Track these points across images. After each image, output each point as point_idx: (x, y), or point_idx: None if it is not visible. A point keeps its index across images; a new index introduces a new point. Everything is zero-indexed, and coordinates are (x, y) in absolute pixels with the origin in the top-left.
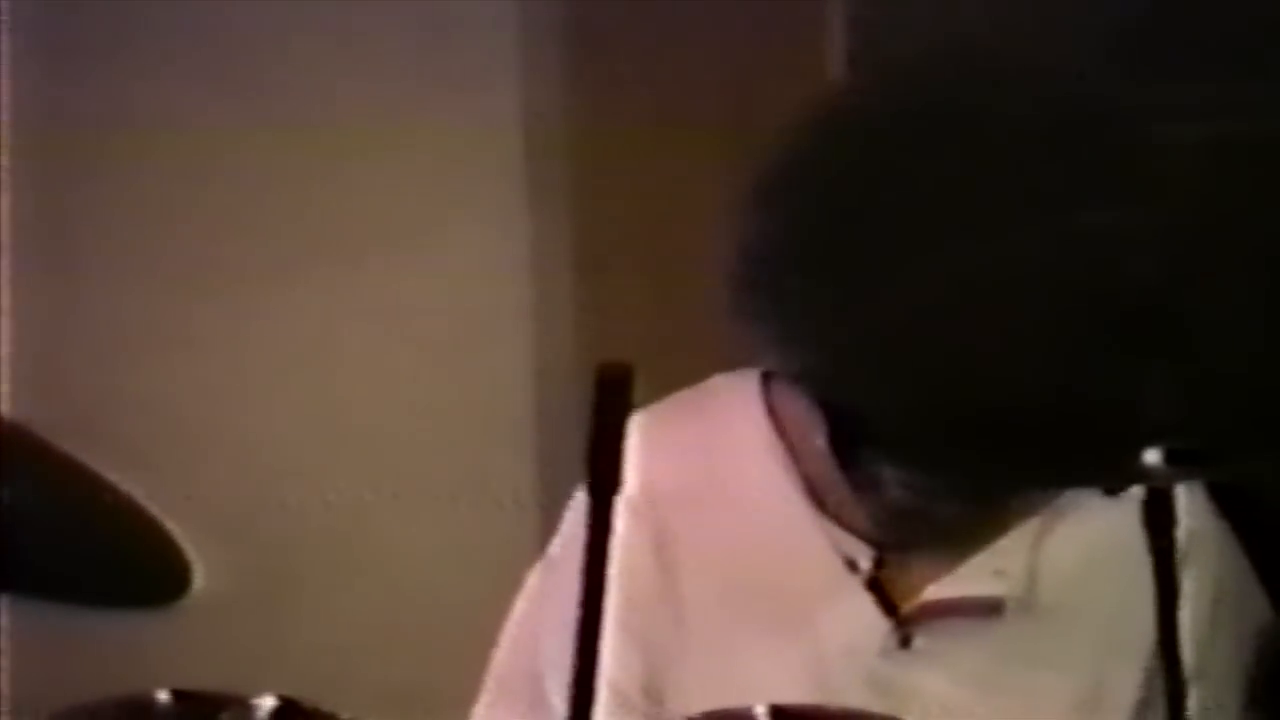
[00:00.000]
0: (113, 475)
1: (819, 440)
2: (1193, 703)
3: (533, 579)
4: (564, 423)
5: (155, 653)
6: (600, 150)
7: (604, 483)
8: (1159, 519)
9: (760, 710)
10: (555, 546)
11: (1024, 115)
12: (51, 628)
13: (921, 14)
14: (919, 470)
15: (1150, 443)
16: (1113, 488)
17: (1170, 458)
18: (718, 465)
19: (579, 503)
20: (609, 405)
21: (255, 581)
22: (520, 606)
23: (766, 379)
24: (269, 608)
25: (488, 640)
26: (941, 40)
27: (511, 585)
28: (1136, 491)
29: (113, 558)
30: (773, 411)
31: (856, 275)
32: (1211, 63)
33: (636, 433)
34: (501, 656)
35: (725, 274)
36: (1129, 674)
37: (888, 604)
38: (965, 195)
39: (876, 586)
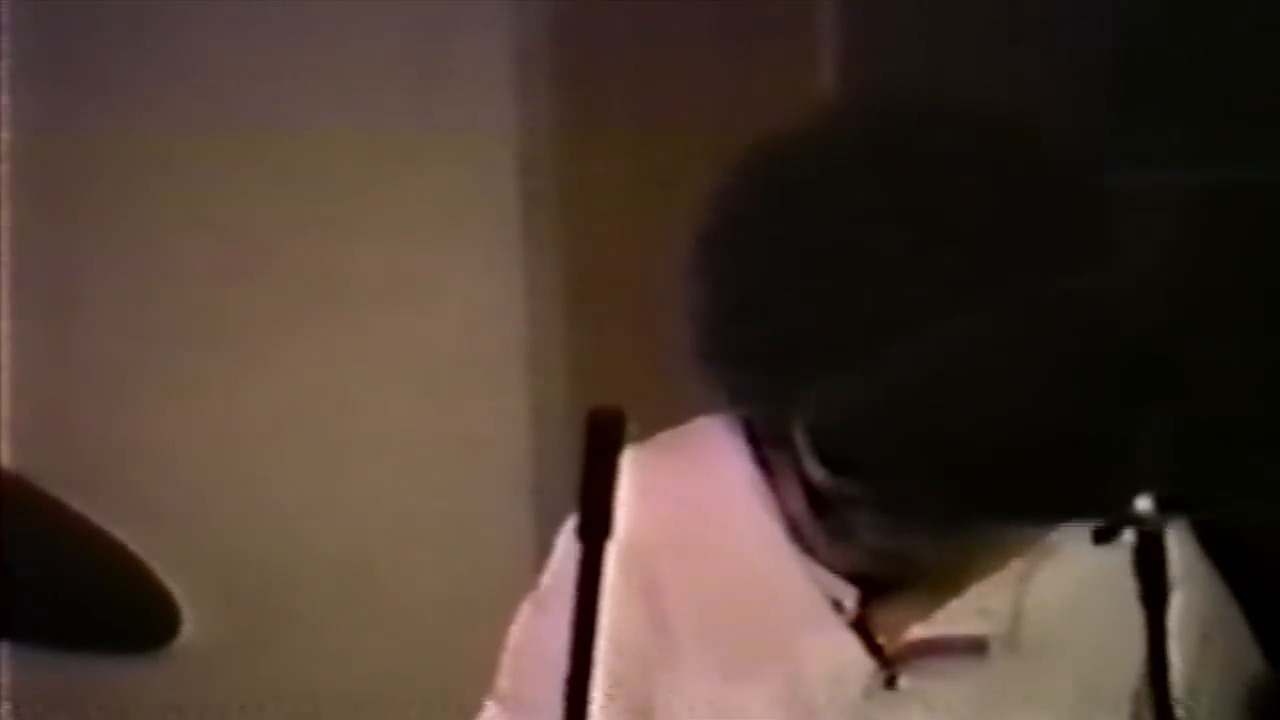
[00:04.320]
0: (108, 521)
1: (795, 486)
2: None
3: (525, 610)
4: (559, 465)
5: (148, 698)
6: (593, 200)
7: (595, 527)
8: (1150, 563)
9: None
10: (545, 579)
11: (1004, 162)
12: (43, 674)
13: (914, 22)
14: (904, 517)
15: (1141, 488)
16: (1102, 537)
17: (1161, 503)
18: (702, 508)
19: (567, 536)
20: (600, 450)
21: (251, 626)
22: (515, 634)
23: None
24: (266, 652)
25: (485, 682)
26: (927, 68)
27: (509, 627)
28: (1125, 537)
29: (99, 602)
30: (758, 452)
31: (828, 329)
32: (1199, 111)
33: (625, 473)
34: (504, 679)
35: (682, 335)
36: (1114, 716)
37: (872, 644)
38: (943, 243)
39: (861, 627)
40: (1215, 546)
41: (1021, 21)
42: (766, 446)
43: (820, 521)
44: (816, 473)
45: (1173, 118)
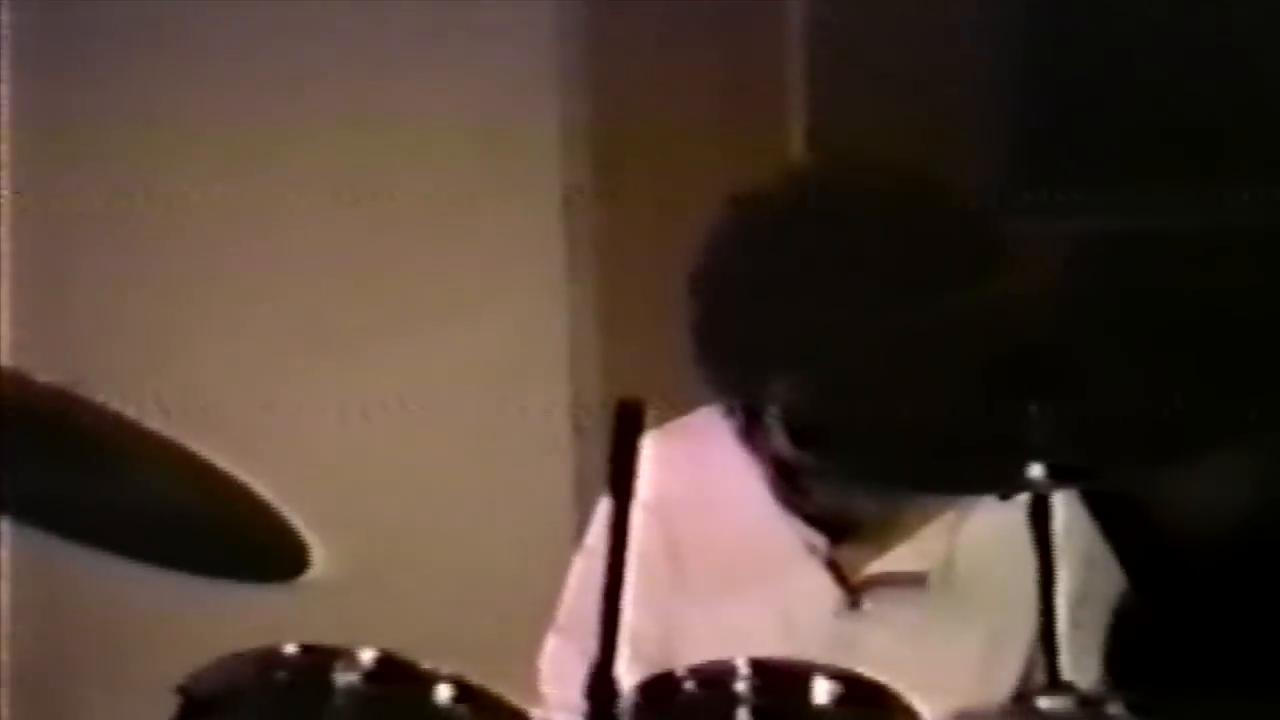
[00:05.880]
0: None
1: (767, 457)
2: (1065, 657)
3: (578, 560)
4: (593, 449)
5: (278, 621)
6: (626, 229)
7: (622, 492)
8: (1039, 518)
9: (740, 662)
10: (589, 540)
11: (924, 212)
12: (201, 602)
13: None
14: (851, 481)
15: (1034, 459)
16: (1004, 494)
17: (1051, 472)
18: (708, 475)
19: (605, 505)
20: (626, 431)
21: (360, 567)
22: (571, 579)
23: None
24: (370, 590)
25: (537, 610)
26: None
27: (555, 569)
28: (1024, 497)
29: (246, 543)
30: (746, 430)
31: (794, 339)
32: (1092, 168)
33: (647, 450)
34: (562, 613)
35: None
36: (1024, 627)
37: (840, 577)
38: (877, 273)
39: (832, 565)
40: (1096, 503)
41: (942, 96)
42: (749, 427)
43: (784, 484)
44: (784, 447)
45: (1067, 174)
